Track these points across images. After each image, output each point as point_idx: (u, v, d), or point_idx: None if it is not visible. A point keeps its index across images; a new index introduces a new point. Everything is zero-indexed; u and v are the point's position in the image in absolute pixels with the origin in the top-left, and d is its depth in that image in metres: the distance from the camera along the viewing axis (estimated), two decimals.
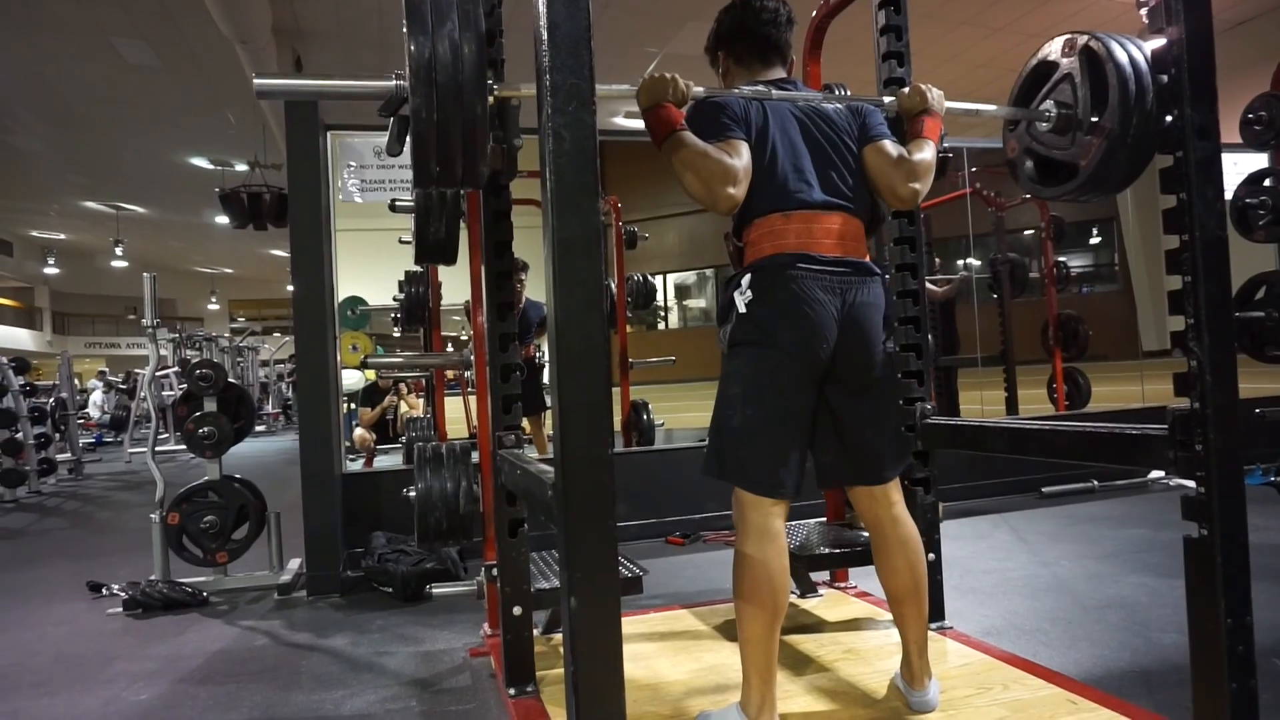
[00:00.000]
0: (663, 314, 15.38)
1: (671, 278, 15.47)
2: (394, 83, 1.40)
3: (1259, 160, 4.22)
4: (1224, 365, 1.37)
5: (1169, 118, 1.41)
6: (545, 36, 1.16)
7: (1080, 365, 6.06)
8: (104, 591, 3.57)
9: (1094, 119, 1.66)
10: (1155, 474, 4.81)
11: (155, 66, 8.38)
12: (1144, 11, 1.49)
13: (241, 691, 2.43)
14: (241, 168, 11.62)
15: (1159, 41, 1.43)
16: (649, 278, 5.68)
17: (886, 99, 1.90)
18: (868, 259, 1.79)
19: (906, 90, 1.89)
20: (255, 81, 1.42)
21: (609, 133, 7.10)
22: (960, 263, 6.79)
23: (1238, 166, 4.60)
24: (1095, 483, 4.79)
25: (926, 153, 1.80)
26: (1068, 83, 1.73)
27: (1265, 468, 3.81)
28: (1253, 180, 3.86)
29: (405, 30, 1.34)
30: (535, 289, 4.99)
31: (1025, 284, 6.25)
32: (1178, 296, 1.41)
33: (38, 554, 4.76)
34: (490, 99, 1.47)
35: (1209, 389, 1.36)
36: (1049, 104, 1.78)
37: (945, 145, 2.82)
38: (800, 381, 1.71)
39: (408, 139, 1.40)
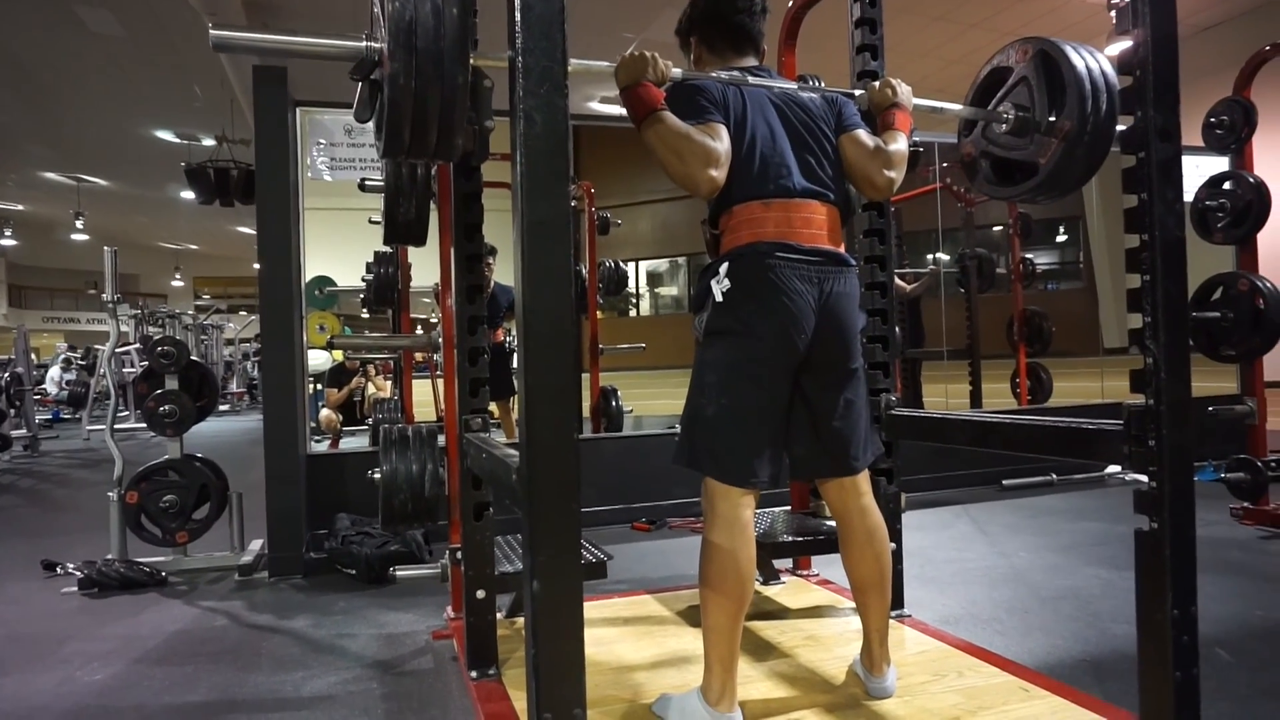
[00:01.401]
0: (634, 301, 15.38)
1: (644, 265, 15.46)
2: (364, 44, 1.34)
3: (1220, 163, 4.32)
4: (1178, 363, 1.40)
5: (1132, 118, 1.44)
6: (518, 17, 1.15)
7: (1043, 360, 6.16)
8: (59, 570, 3.51)
9: (1051, 119, 1.69)
10: (1112, 469, 4.92)
11: (120, 36, 8.19)
12: (1113, 14, 1.51)
13: (200, 672, 2.41)
14: (208, 142, 11.40)
15: (1120, 45, 1.45)
16: (621, 264, 5.67)
17: (857, 91, 1.92)
18: (843, 249, 1.80)
19: (877, 84, 1.91)
20: (212, 32, 1.31)
21: (583, 117, 7.08)
22: (930, 257, 6.86)
23: (1199, 169, 4.70)
24: (1054, 476, 4.88)
25: (900, 144, 1.83)
26: (1024, 86, 1.76)
27: (1216, 464, 3.90)
28: (1213, 183, 3.94)
29: None
30: (504, 273, 4.97)
31: (992, 279, 6.34)
32: (1136, 294, 1.44)
33: None
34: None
35: (1164, 386, 1.39)
36: (1007, 106, 1.80)
37: (916, 140, 2.84)
38: (776, 372, 1.71)
39: (378, 105, 1.34)
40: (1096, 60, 1.63)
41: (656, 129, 1.63)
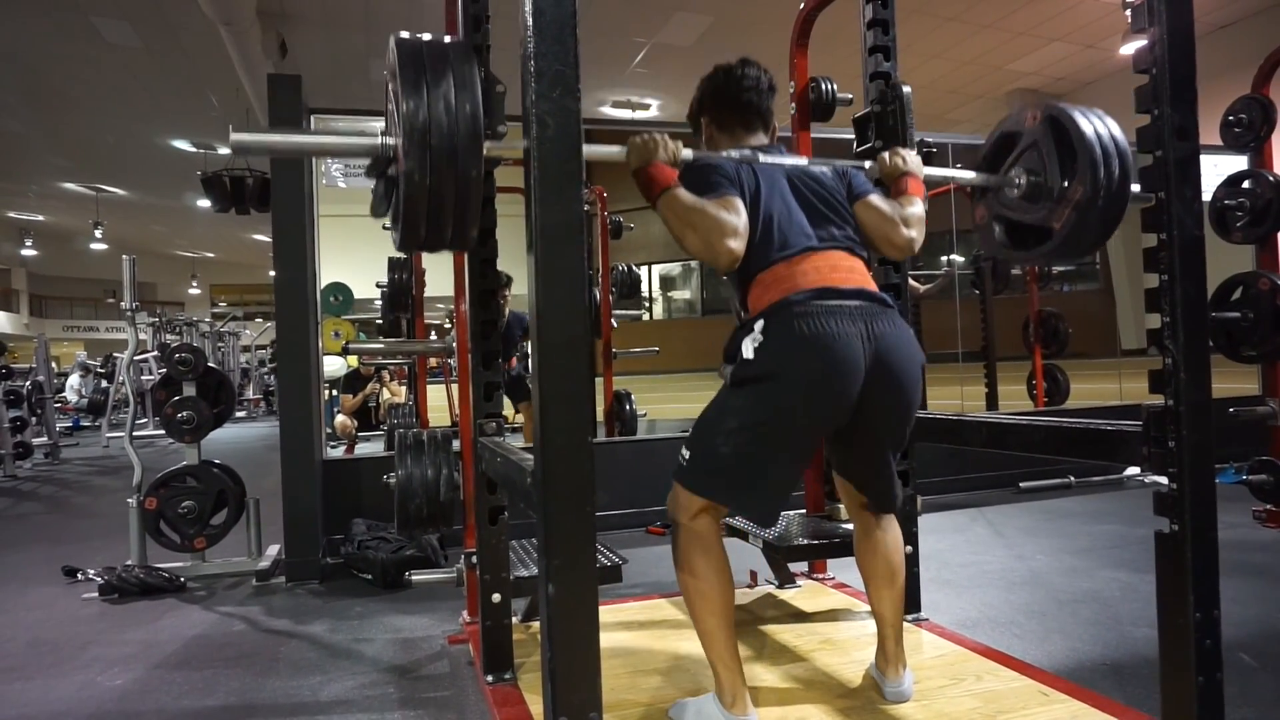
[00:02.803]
0: (647, 304, 15.38)
1: (656, 268, 15.46)
2: (379, 140, 1.35)
3: (1239, 162, 4.27)
4: (1198, 363, 1.38)
5: (1149, 117, 1.43)
6: (531, 23, 1.15)
7: (1060, 362, 6.12)
8: (79, 576, 3.54)
9: (1064, 184, 1.68)
10: (1131, 470, 4.87)
11: (136, 47, 8.27)
12: (1128, 12, 1.50)
13: (218, 677, 2.42)
14: (224, 151, 11.50)
15: (1136, 44, 1.44)
16: (634, 268, 5.67)
17: (867, 163, 1.91)
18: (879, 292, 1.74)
19: (886, 155, 1.90)
20: (233, 136, 1.36)
21: (595, 122, 7.09)
22: (944, 258, 6.83)
23: (1217, 168, 4.65)
24: (1072, 478, 4.84)
25: (917, 207, 1.82)
26: (1035, 150, 1.75)
27: (1238, 466, 3.86)
28: (1231, 182, 3.90)
29: (398, 89, 1.29)
30: (519, 282, 4.96)
31: (1007, 281, 6.30)
32: (1154, 294, 1.43)
33: (13, 539, 4.71)
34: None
35: (1183, 387, 1.38)
36: (1018, 171, 1.80)
37: (930, 141, 2.83)
38: (809, 426, 1.65)
39: (394, 200, 1.35)
40: (1106, 125, 1.63)
41: (671, 205, 1.62)
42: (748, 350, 1.63)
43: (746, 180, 1.72)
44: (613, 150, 1.66)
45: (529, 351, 5.44)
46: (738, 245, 1.61)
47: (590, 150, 1.50)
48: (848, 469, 1.87)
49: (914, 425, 1.82)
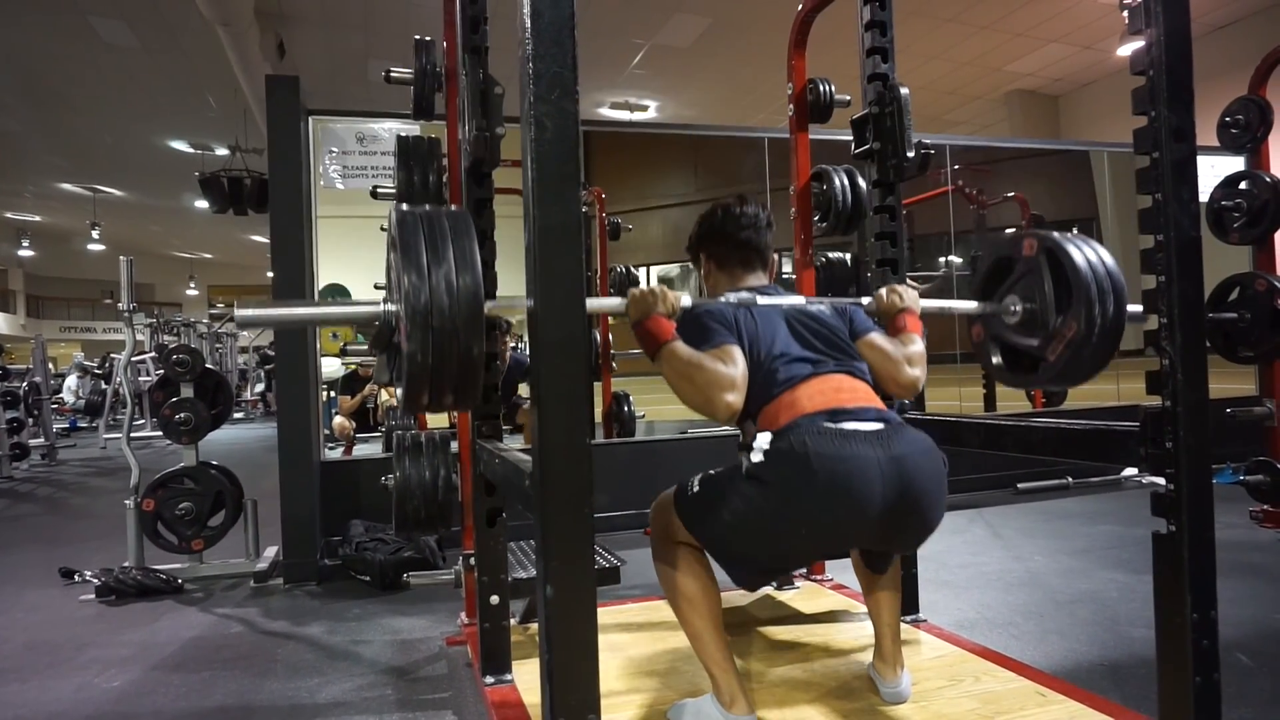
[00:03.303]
0: None
1: (655, 269, 15.45)
2: (381, 308, 1.36)
3: (1236, 163, 4.28)
4: (1195, 364, 1.39)
5: (1145, 118, 1.43)
6: (529, 24, 1.15)
7: None
8: (77, 578, 3.53)
9: (1059, 319, 1.68)
10: (1129, 471, 4.87)
11: (134, 47, 8.26)
12: (1125, 13, 1.51)
13: (216, 679, 2.42)
14: (222, 152, 11.48)
15: (1133, 45, 1.44)
16: (632, 269, 5.67)
17: (865, 300, 1.92)
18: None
19: (883, 292, 1.90)
20: (238, 312, 1.36)
21: (593, 123, 7.09)
22: (942, 260, 6.84)
23: (1214, 169, 4.66)
24: (1070, 479, 4.85)
25: (918, 345, 1.83)
26: (1031, 279, 1.76)
27: (1235, 467, 3.87)
28: (1229, 183, 3.91)
29: (399, 263, 1.28)
30: (516, 284, 4.96)
31: None
32: (1152, 295, 1.43)
33: (9, 540, 4.71)
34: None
35: (1180, 388, 1.38)
36: (1013, 299, 1.81)
37: (927, 143, 2.83)
38: (813, 546, 1.67)
39: (397, 367, 1.35)
40: (1102, 261, 1.63)
41: (669, 360, 1.62)
42: (758, 453, 1.57)
43: (744, 324, 1.72)
44: (614, 303, 1.67)
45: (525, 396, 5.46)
46: (735, 399, 1.60)
47: (593, 304, 1.53)
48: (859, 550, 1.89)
49: None
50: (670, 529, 1.75)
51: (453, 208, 1.38)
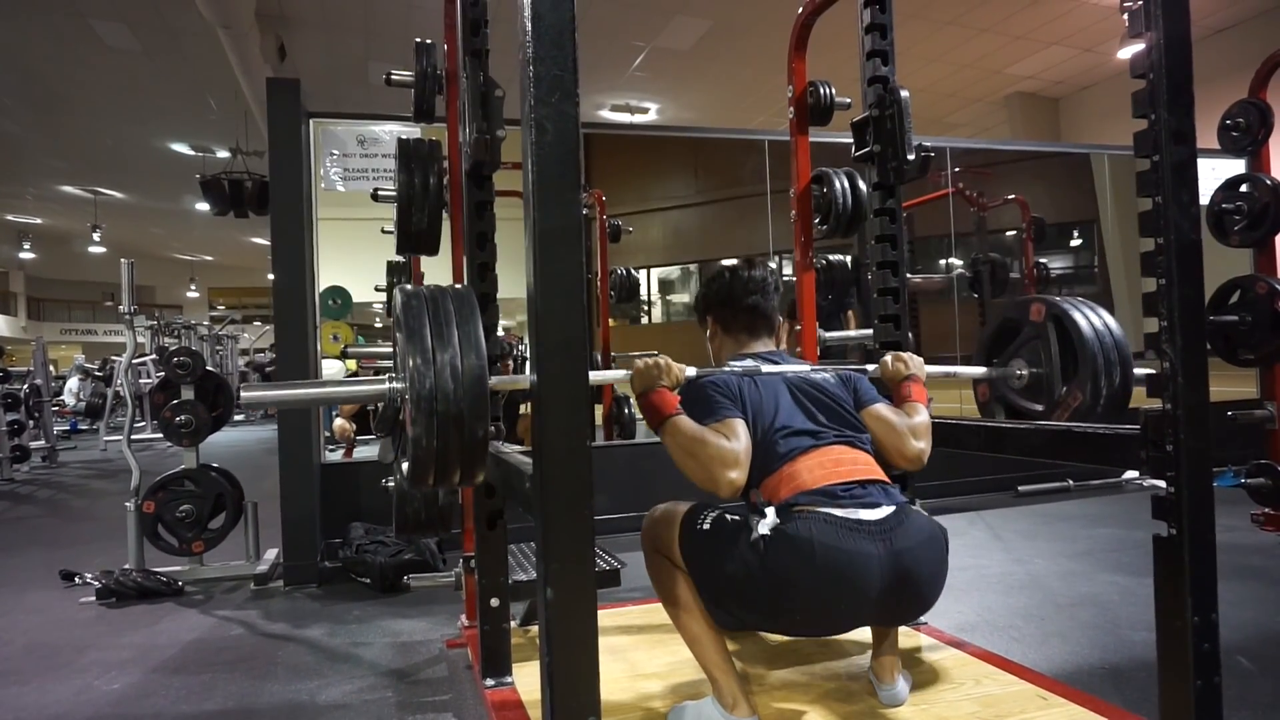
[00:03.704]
0: (646, 308, 15.37)
1: (655, 272, 15.44)
2: (387, 386, 1.36)
3: (1236, 166, 4.28)
4: (1196, 367, 1.38)
5: (1146, 121, 1.43)
6: (529, 27, 1.15)
7: None
8: (77, 580, 3.53)
9: (1064, 388, 1.68)
10: (1129, 474, 4.87)
11: (135, 50, 8.27)
12: (1126, 16, 1.51)
13: (216, 681, 2.42)
14: (223, 154, 11.50)
15: (1133, 48, 1.44)
16: (632, 271, 5.68)
17: (870, 366, 1.93)
18: (889, 483, 1.71)
19: (889, 359, 1.91)
20: (244, 394, 1.38)
21: (593, 125, 7.10)
22: (942, 262, 6.84)
23: (1215, 172, 4.66)
24: (1070, 482, 4.84)
25: (923, 415, 1.83)
26: (1037, 344, 1.76)
27: (1236, 470, 3.86)
28: (1229, 185, 3.91)
29: (404, 344, 1.29)
30: (516, 285, 4.97)
31: (1006, 284, 6.30)
32: (1152, 298, 1.43)
33: (10, 542, 4.71)
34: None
35: (1181, 390, 1.38)
36: (1019, 363, 1.81)
37: (928, 146, 2.84)
38: (804, 626, 1.71)
39: (402, 446, 1.36)
40: (1109, 329, 1.63)
41: (673, 435, 1.63)
42: (764, 528, 1.59)
43: (748, 394, 1.73)
44: (619, 375, 1.69)
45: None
46: (738, 476, 1.60)
47: (596, 376, 1.55)
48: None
49: None
50: (668, 546, 1.74)
51: (457, 286, 1.38)
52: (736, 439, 1.62)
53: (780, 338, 1.98)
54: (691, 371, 1.71)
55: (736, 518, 1.67)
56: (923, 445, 1.79)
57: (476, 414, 1.28)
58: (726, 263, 2.00)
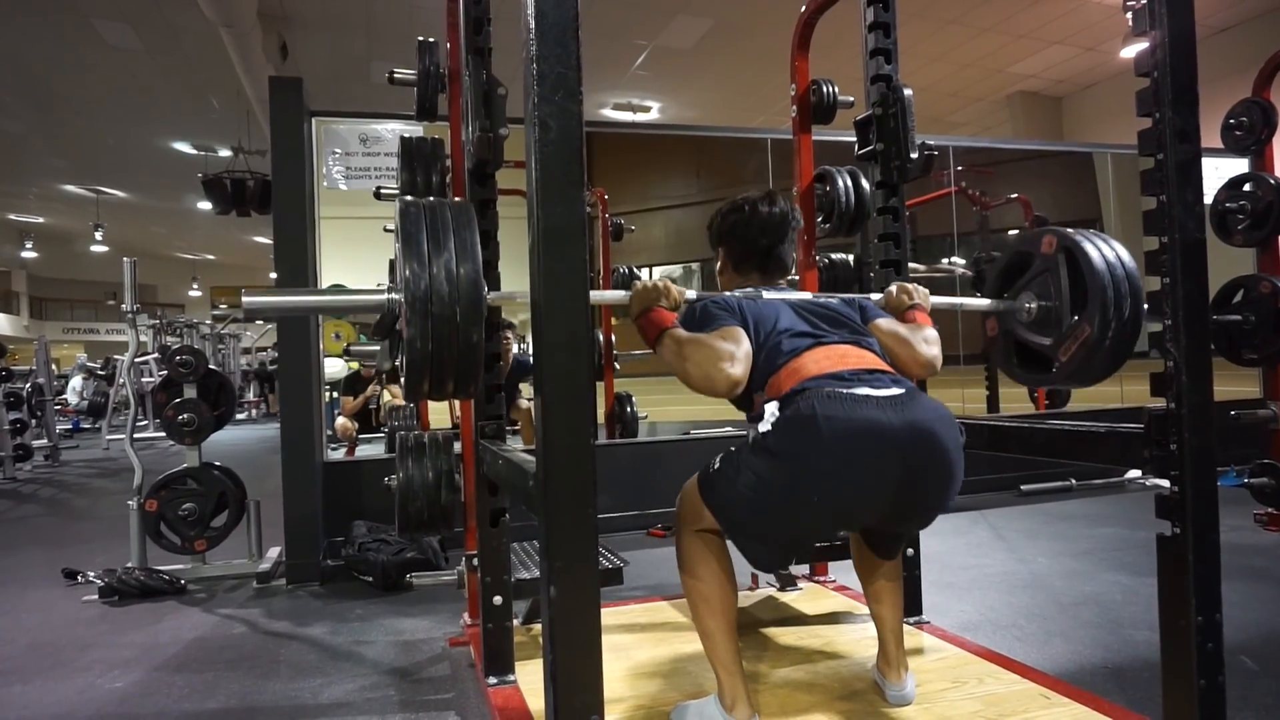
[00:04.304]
0: None
1: (657, 270, 15.44)
2: (385, 296, 1.38)
3: (1240, 165, 4.27)
4: (1200, 366, 1.38)
5: (1150, 120, 1.43)
6: (533, 25, 1.15)
7: None
8: (79, 579, 3.54)
9: (1074, 318, 1.67)
10: (1132, 474, 4.86)
11: (137, 49, 8.27)
12: (1129, 15, 1.51)
13: (219, 680, 2.42)
14: (225, 153, 11.50)
15: (1137, 47, 1.44)
16: (635, 270, 5.67)
17: (875, 296, 1.92)
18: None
19: (893, 289, 1.90)
20: (245, 300, 1.40)
21: (596, 124, 7.09)
22: (945, 261, 6.84)
23: (1218, 171, 4.66)
24: (1073, 481, 4.84)
25: (931, 330, 1.82)
26: (1047, 277, 1.74)
27: (1239, 469, 3.85)
28: (1233, 185, 3.90)
29: (400, 252, 1.32)
30: (520, 284, 4.97)
31: None
32: (1156, 297, 1.43)
33: (12, 541, 4.71)
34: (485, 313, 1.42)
35: (1185, 389, 1.38)
36: (1029, 296, 1.79)
37: (931, 144, 2.83)
38: (826, 520, 1.58)
39: (399, 355, 1.38)
40: (1121, 261, 1.61)
41: (669, 344, 1.61)
42: (767, 423, 1.54)
43: (750, 310, 1.70)
44: (618, 296, 1.67)
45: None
46: (736, 370, 1.56)
47: (596, 296, 1.55)
48: (865, 541, 1.85)
49: None
50: (694, 513, 1.71)
51: (456, 199, 1.41)
52: (735, 341, 1.60)
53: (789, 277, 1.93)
54: (691, 294, 1.69)
55: (742, 444, 1.62)
56: (935, 351, 1.76)
57: (471, 318, 1.31)
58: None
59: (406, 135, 2.63)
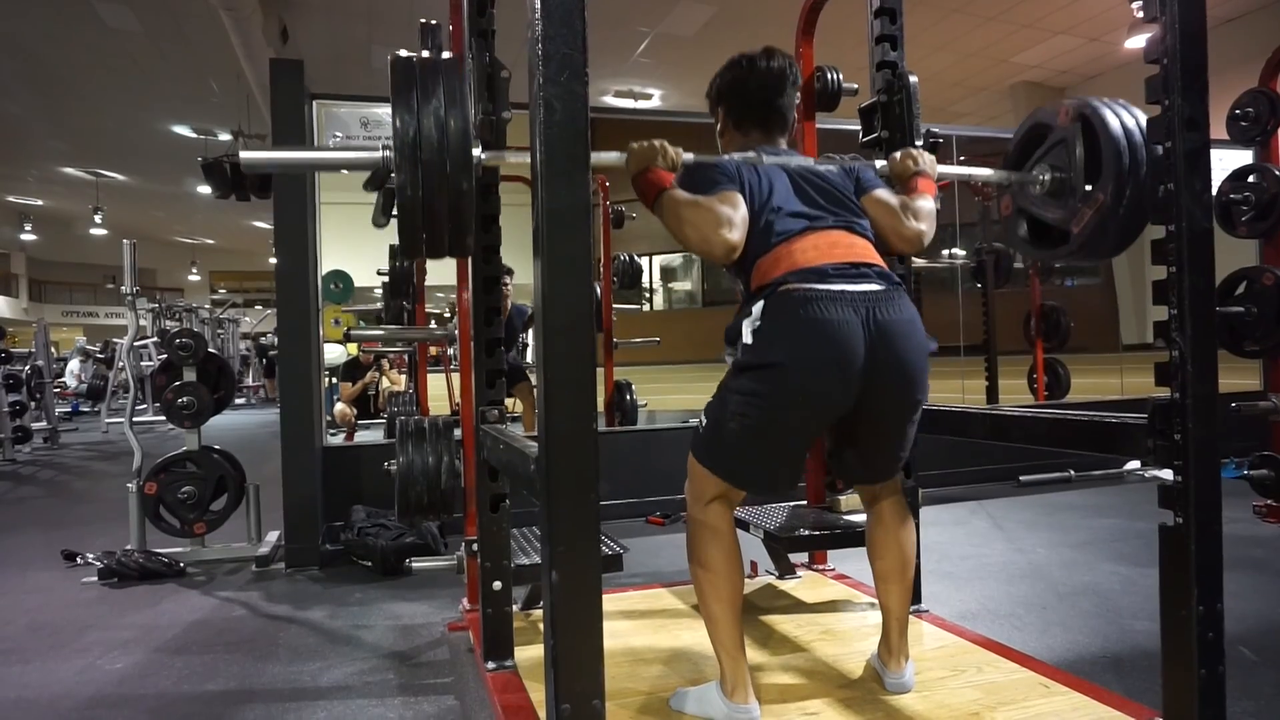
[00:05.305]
0: (648, 295, 15.34)
1: (658, 259, 15.41)
2: (380, 154, 1.39)
3: (1245, 156, 4.26)
4: (1205, 356, 1.38)
5: (1159, 108, 1.41)
6: (538, 5, 1.14)
7: (1061, 356, 6.11)
8: (79, 560, 3.54)
9: (1088, 187, 1.64)
10: (1131, 465, 4.87)
11: (137, 31, 8.23)
12: (1135, 3, 1.49)
13: (218, 662, 2.42)
14: (225, 137, 11.46)
15: (1144, 35, 1.43)
16: (635, 258, 5.66)
17: (878, 162, 1.88)
18: (886, 268, 1.70)
19: (898, 155, 1.86)
20: (243, 155, 1.43)
21: (597, 110, 7.05)
22: (946, 252, 6.82)
23: (1223, 162, 4.64)
24: (1072, 473, 4.84)
25: (927, 202, 1.78)
26: (1063, 147, 1.71)
27: (1238, 461, 3.86)
28: (1237, 176, 3.89)
29: (392, 105, 1.34)
30: (522, 274, 4.97)
31: (1009, 274, 6.28)
32: (1162, 286, 1.42)
33: (12, 522, 4.72)
34: (478, 169, 1.44)
35: (1189, 379, 1.37)
36: (1043, 168, 1.76)
37: (935, 132, 2.82)
38: (811, 416, 1.63)
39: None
40: (1140, 127, 1.58)
41: (668, 205, 1.60)
42: (747, 335, 1.61)
43: (748, 176, 1.70)
44: (613, 156, 1.65)
45: (529, 342, 5.47)
46: (733, 235, 1.60)
47: (595, 157, 1.51)
48: (851, 464, 1.84)
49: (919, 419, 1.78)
50: (698, 487, 1.72)
51: (445, 55, 1.43)
52: (734, 206, 1.62)
53: (792, 136, 1.91)
54: (689, 157, 1.68)
55: (722, 384, 1.68)
56: (922, 226, 1.75)
57: (460, 164, 1.33)
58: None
59: None
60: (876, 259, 1.69)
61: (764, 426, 1.61)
